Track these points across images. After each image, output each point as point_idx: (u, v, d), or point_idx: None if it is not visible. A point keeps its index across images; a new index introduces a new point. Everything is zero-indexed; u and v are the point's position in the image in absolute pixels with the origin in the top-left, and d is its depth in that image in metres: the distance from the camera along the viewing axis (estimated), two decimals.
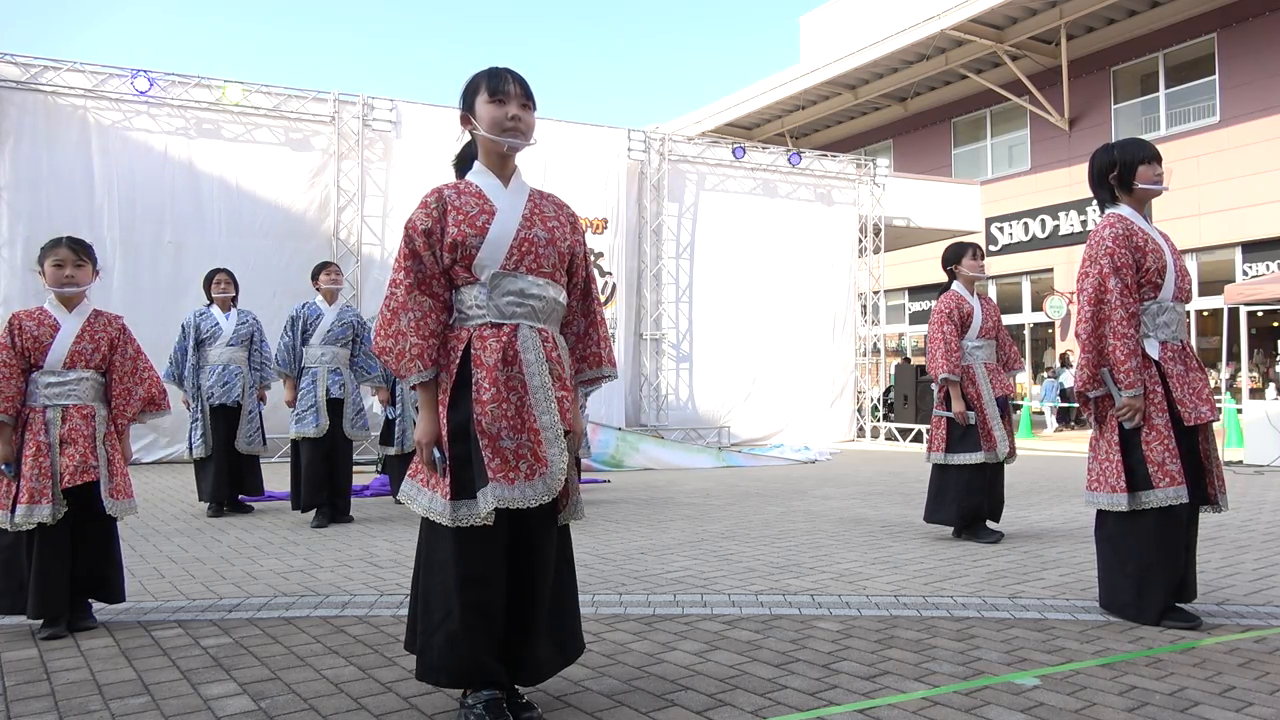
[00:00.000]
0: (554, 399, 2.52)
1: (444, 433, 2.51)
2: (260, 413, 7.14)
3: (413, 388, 2.56)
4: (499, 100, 2.58)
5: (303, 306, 6.66)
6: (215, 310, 7.02)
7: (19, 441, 3.54)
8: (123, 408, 3.73)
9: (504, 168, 2.66)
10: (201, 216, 11.02)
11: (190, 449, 6.94)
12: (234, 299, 7.09)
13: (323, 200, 11.72)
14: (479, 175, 2.66)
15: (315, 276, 6.68)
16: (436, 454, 2.51)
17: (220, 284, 7.01)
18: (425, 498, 2.52)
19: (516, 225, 2.58)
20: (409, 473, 2.61)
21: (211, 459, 6.79)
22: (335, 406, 6.47)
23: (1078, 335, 3.64)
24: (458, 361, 2.52)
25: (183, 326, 6.99)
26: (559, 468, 2.48)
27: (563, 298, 2.67)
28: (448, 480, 2.47)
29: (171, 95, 10.91)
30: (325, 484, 6.34)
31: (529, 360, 2.51)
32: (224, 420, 6.86)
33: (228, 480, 6.84)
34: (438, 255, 2.54)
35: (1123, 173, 3.70)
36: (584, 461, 7.49)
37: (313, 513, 6.37)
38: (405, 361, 2.49)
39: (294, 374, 6.55)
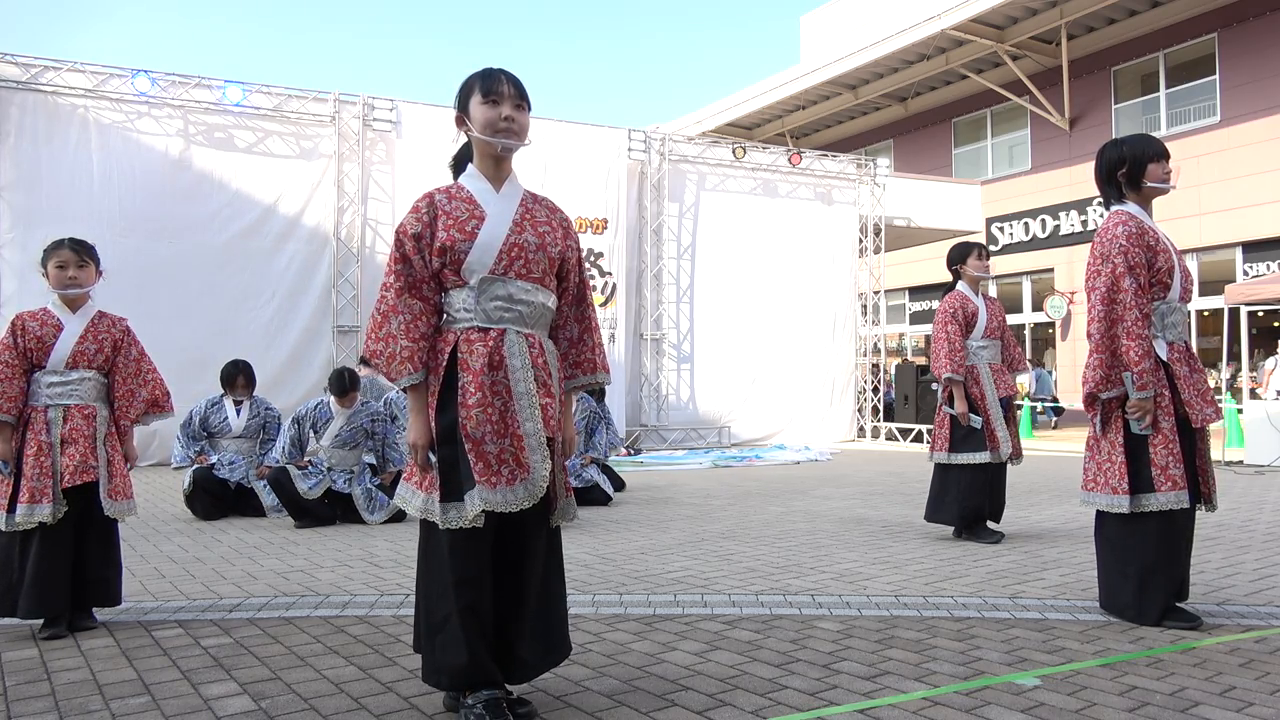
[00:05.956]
0: (537, 406, 2.52)
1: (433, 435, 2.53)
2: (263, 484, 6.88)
3: (403, 390, 2.58)
4: (492, 101, 2.58)
5: (314, 407, 6.62)
6: (227, 404, 7.05)
7: (20, 441, 3.55)
8: (126, 409, 3.73)
9: (498, 170, 2.66)
10: (202, 216, 11.02)
11: (175, 460, 6.97)
12: (249, 393, 7.12)
13: (323, 200, 11.71)
14: (472, 179, 2.66)
15: (341, 394, 6.53)
16: (431, 456, 2.52)
17: (239, 388, 7.03)
18: (419, 500, 2.54)
19: (506, 230, 2.58)
20: (404, 475, 2.63)
21: (201, 493, 6.64)
22: (341, 496, 6.38)
23: (1089, 335, 3.57)
24: (444, 364, 2.53)
25: (190, 413, 6.99)
26: (541, 474, 2.49)
27: (552, 303, 2.67)
28: (438, 482, 2.49)
29: (172, 95, 10.92)
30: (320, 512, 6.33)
31: (514, 366, 2.52)
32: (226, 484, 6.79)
33: (221, 508, 6.73)
34: (427, 259, 2.55)
35: (1132, 170, 3.65)
36: (590, 470, 7.41)
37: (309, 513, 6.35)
38: (396, 364, 2.51)
39: (300, 459, 6.51)
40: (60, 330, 3.62)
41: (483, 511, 2.43)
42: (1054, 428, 18.24)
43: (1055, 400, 18.35)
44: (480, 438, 2.46)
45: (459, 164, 2.75)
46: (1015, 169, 21.02)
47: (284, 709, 2.68)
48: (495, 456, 2.47)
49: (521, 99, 2.62)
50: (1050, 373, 19.75)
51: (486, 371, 2.49)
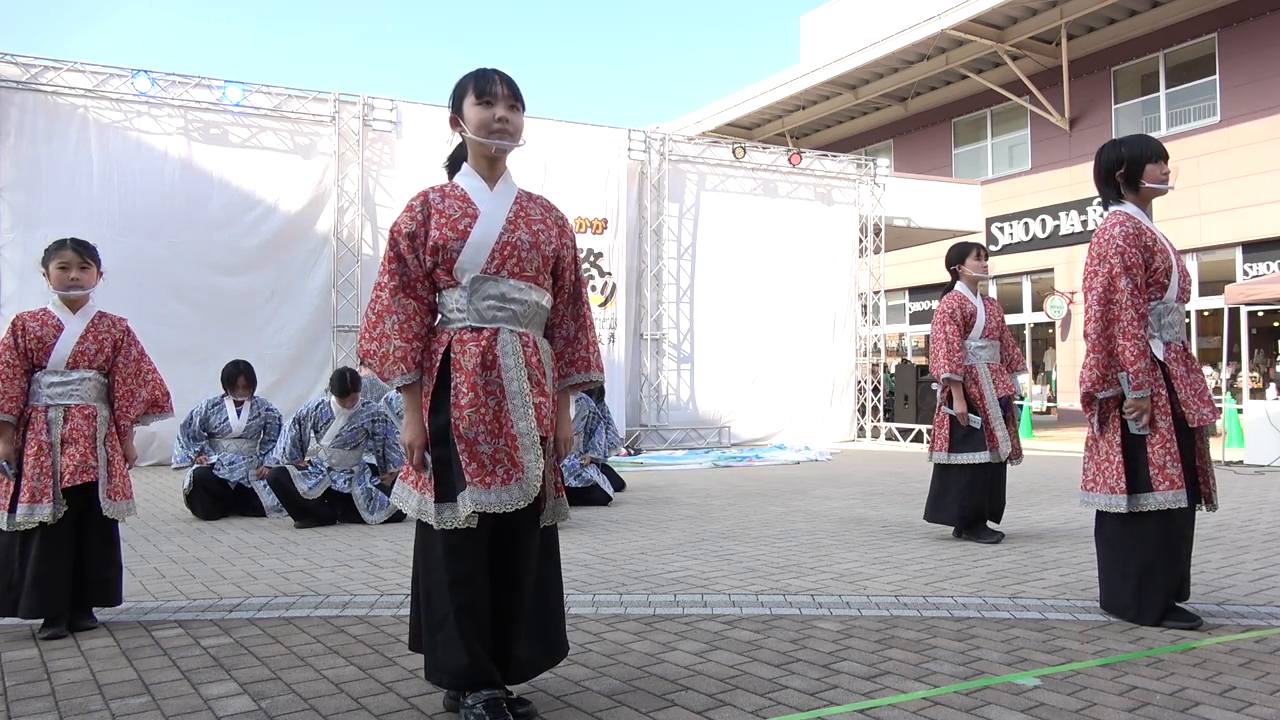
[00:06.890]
0: (531, 405, 2.52)
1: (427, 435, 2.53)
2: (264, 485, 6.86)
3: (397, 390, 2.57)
4: (486, 102, 2.58)
5: (315, 407, 6.65)
6: (228, 404, 7.07)
7: (20, 441, 3.55)
8: (126, 409, 3.73)
9: (492, 169, 2.66)
10: (202, 216, 11.02)
11: (175, 461, 6.98)
12: (250, 393, 7.16)
13: (323, 200, 11.71)
14: (466, 177, 2.66)
15: (343, 394, 6.55)
16: (426, 456, 2.53)
17: (239, 389, 7.06)
18: (415, 499, 2.54)
19: (499, 229, 2.58)
20: (400, 475, 2.63)
21: (201, 493, 6.65)
22: (341, 496, 6.38)
23: (1086, 335, 3.58)
24: (438, 365, 2.53)
25: (191, 413, 7.02)
26: (535, 473, 2.48)
27: (546, 301, 2.66)
28: (432, 483, 2.49)
29: (171, 95, 10.92)
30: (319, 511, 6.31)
31: (508, 365, 2.52)
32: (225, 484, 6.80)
33: (221, 508, 6.73)
34: (421, 258, 2.55)
35: (1130, 170, 3.65)
36: (590, 470, 7.40)
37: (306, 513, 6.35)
38: (389, 364, 2.50)
39: (301, 459, 6.52)
40: (61, 330, 3.62)
41: (475, 512, 2.43)
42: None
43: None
44: (473, 438, 2.46)
45: (454, 164, 2.75)
46: (1015, 169, 21.01)
47: (284, 709, 2.68)
48: (489, 456, 2.46)
49: (515, 99, 2.61)
50: (1050, 373, 19.69)
51: (479, 371, 2.49)
